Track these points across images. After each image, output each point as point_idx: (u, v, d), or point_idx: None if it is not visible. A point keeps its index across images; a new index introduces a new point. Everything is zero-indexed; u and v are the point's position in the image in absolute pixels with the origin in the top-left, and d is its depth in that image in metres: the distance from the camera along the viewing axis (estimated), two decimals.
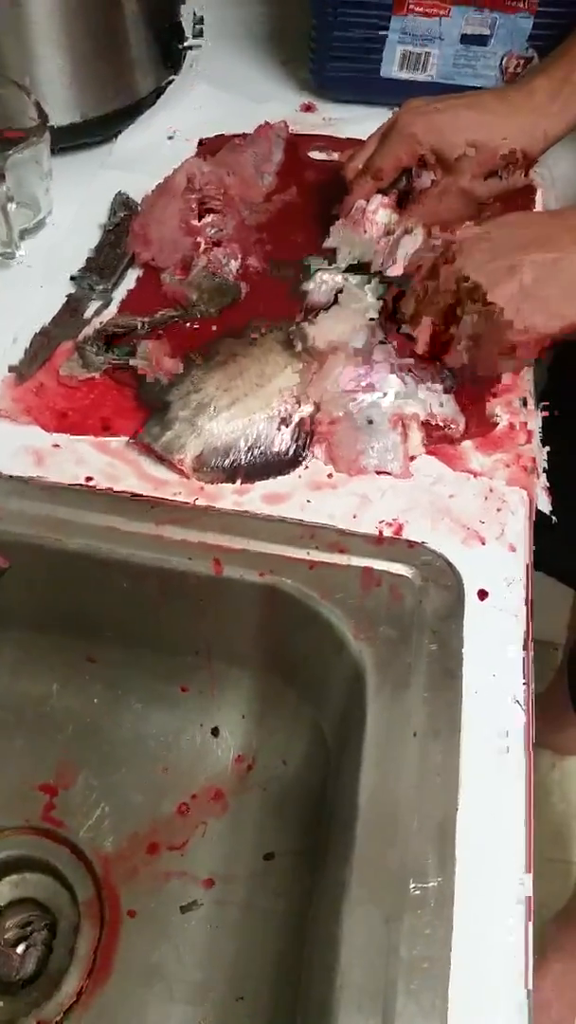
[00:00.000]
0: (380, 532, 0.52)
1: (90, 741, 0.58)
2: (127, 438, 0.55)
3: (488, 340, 0.53)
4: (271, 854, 0.53)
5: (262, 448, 0.54)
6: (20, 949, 0.52)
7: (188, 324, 0.62)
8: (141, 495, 0.53)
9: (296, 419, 0.55)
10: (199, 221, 0.66)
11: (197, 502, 0.53)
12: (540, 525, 0.53)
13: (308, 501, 0.53)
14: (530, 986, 0.36)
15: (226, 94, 0.85)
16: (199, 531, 0.51)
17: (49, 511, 0.52)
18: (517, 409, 0.57)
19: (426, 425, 0.55)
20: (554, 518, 0.53)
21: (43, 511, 0.52)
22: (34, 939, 0.51)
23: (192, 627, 0.55)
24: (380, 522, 0.52)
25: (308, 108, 0.85)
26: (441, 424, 0.55)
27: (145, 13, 0.75)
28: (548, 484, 0.55)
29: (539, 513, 0.54)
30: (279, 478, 0.54)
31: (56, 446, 0.55)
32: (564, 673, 1.20)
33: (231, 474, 0.54)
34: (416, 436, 0.55)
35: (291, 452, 0.54)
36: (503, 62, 0.76)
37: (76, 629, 0.57)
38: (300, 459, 0.54)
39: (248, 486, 0.53)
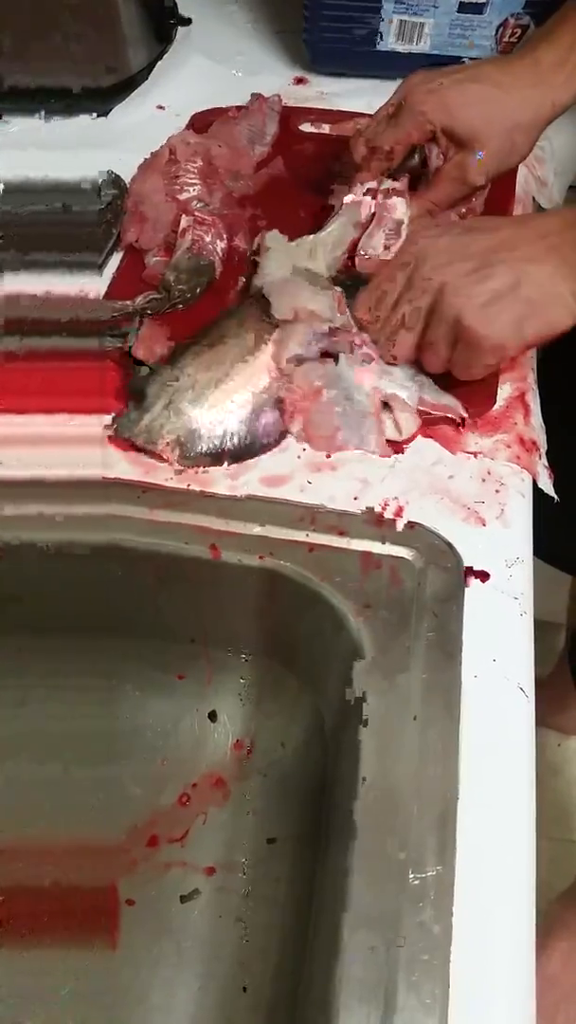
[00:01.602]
0: (381, 514, 0.51)
1: (87, 733, 0.57)
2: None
3: (456, 348, 0.51)
4: (273, 839, 0.52)
5: (246, 429, 0.53)
6: None
7: (176, 307, 0.60)
8: (133, 480, 0.52)
9: (275, 395, 0.54)
10: (183, 194, 0.64)
11: (191, 487, 0.52)
12: (535, 512, 0.52)
13: (308, 482, 0.52)
14: (533, 977, 0.36)
15: (219, 67, 0.83)
16: (195, 515, 0.50)
17: (39, 504, 0.51)
18: (516, 388, 0.56)
19: (421, 413, 0.54)
20: (556, 497, 0.52)
21: (32, 505, 0.51)
22: None
23: (190, 613, 0.54)
24: (380, 503, 0.51)
25: (300, 81, 0.83)
26: (435, 413, 0.54)
27: None
28: (548, 464, 0.54)
29: (535, 500, 0.53)
30: (277, 459, 0.53)
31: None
32: (567, 655, 1.19)
33: (216, 458, 0.53)
34: (407, 420, 0.53)
35: (273, 430, 0.54)
36: (499, 31, 0.74)
37: (72, 619, 0.57)
38: (283, 436, 0.54)
39: (245, 469, 0.53)
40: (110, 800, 0.54)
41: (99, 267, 0.63)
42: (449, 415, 0.54)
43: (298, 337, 0.54)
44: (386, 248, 0.60)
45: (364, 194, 0.60)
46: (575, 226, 0.49)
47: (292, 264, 0.58)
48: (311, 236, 0.60)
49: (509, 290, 0.48)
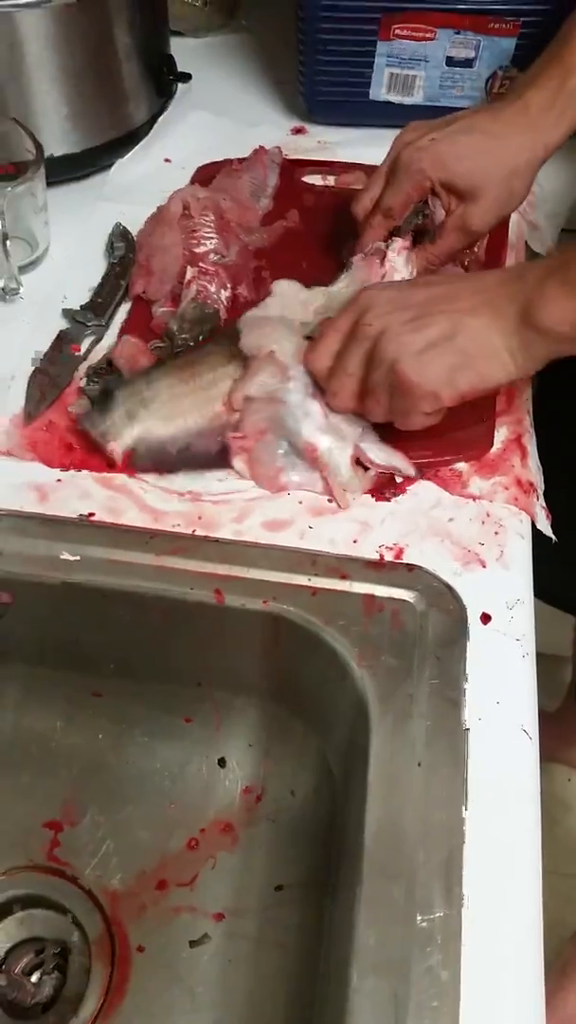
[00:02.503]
0: (381, 556, 0.52)
1: (96, 777, 0.57)
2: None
3: (392, 395, 0.51)
4: (280, 886, 0.52)
5: (187, 448, 0.56)
6: (34, 979, 0.52)
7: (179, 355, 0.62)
8: (140, 527, 0.53)
9: (221, 426, 0.56)
10: (200, 247, 0.66)
11: (196, 532, 0.53)
12: (536, 554, 0.53)
13: (309, 527, 0.53)
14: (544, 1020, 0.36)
15: (219, 119, 0.86)
16: (199, 561, 0.51)
17: (50, 547, 0.52)
18: (513, 431, 0.57)
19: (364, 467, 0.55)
20: (554, 538, 0.53)
21: (44, 547, 0.52)
22: (44, 979, 0.51)
23: (196, 657, 0.55)
24: (380, 546, 0.52)
25: (299, 131, 0.85)
26: (381, 471, 0.55)
27: (136, 46, 0.76)
28: (545, 504, 0.54)
29: (535, 542, 0.53)
30: (278, 504, 0.54)
31: (59, 481, 0.55)
32: (574, 692, 1.19)
33: (157, 467, 0.55)
34: (346, 473, 0.54)
35: (213, 457, 0.56)
36: (489, 83, 0.76)
37: (80, 663, 0.57)
38: (222, 463, 0.56)
39: (247, 513, 0.54)
40: (119, 843, 0.55)
41: (106, 323, 0.65)
42: (394, 473, 0.55)
43: (254, 379, 0.56)
44: None
45: (372, 254, 0.61)
46: (511, 282, 0.50)
47: (294, 310, 0.60)
48: (323, 288, 0.61)
49: (444, 339, 0.49)
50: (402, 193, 0.60)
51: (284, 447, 0.55)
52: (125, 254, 0.69)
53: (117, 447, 0.55)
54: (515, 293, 0.49)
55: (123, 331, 0.65)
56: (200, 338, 0.62)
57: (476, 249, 0.64)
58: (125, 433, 0.55)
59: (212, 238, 0.67)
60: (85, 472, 0.56)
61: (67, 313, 0.65)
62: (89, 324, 0.64)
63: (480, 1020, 0.36)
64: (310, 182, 0.78)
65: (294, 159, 0.79)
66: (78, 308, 0.65)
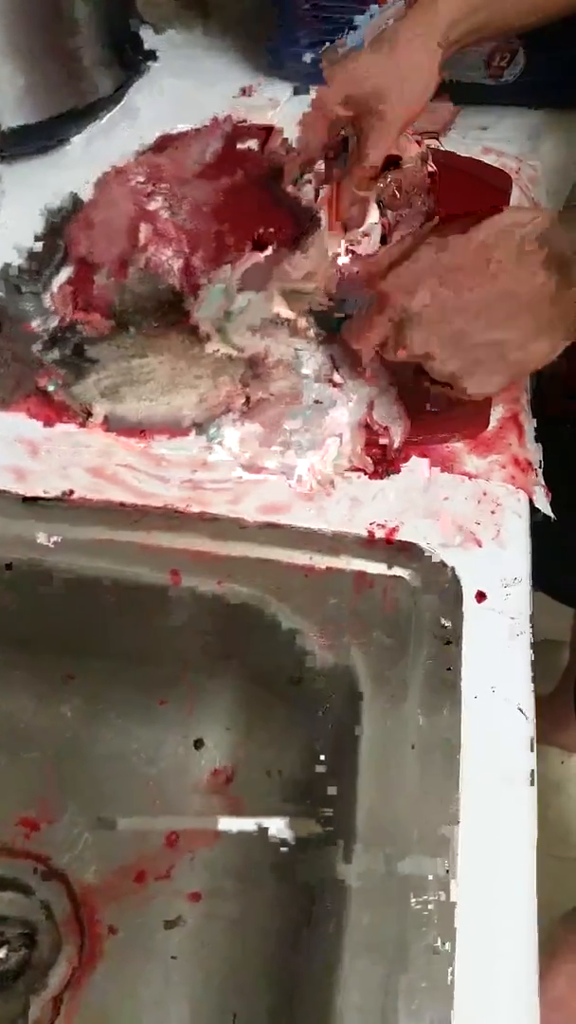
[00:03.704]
0: (371, 533, 0.51)
1: (69, 759, 0.57)
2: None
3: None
4: (263, 868, 0.51)
5: (160, 421, 0.56)
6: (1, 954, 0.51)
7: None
8: (127, 504, 0.52)
9: (217, 414, 0.56)
10: (150, 205, 0.64)
11: (190, 507, 0.52)
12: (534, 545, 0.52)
13: (304, 505, 0.52)
14: (537, 1002, 0.35)
15: (185, 92, 0.83)
16: (190, 537, 0.50)
17: (29, 526, 0.51)
18: (509, 409, 0.57)
19: (367, 429, 0.55)
20: (553, 516, 0.52)
21: (21, 527, 0.51)
22: (10, 955, 0.50)
23: (172, 639, 0.53)
24: (372, 524, 0.51)
25: (244, 92, 0.83)
26: (376, 429, 0.55)
27: (96, 20, 0.73)
28: (544, 484, 0.54)
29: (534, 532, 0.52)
30: (272, 486, 0.53)
31: (41, 469, 0.53)
32: (571, 673, 1.19)
33: (129, 432, 0.55)
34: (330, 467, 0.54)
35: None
36: (489, 56, 0.75)
37: (56, 645, 0.56)
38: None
39: (244, 495, 0.53)
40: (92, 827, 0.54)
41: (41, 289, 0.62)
42: (381, 438, 0.54)
43: (271, 384, 0.56)
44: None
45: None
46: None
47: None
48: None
49: (495, 359, 0.47)
50: (310, 131, 0.57)
51: (285, 437, 0.54)
52: (68, 214, 0.65)
53: (94, 417, 0.55)
54: None
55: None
56: (157, 312, 0.59)
57: (426, 204, 0.61)
58: (99, 405, 0.55)
59: (159, 194, 0.64)
60: (75, 461, 0.54)
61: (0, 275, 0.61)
62: (24, 291, 0.60)
63: (474, 1000, 0.36)
64: (252, 147, 0.74)
65: (240, 123, 0.76)
66: (13, 270, 0.61)
